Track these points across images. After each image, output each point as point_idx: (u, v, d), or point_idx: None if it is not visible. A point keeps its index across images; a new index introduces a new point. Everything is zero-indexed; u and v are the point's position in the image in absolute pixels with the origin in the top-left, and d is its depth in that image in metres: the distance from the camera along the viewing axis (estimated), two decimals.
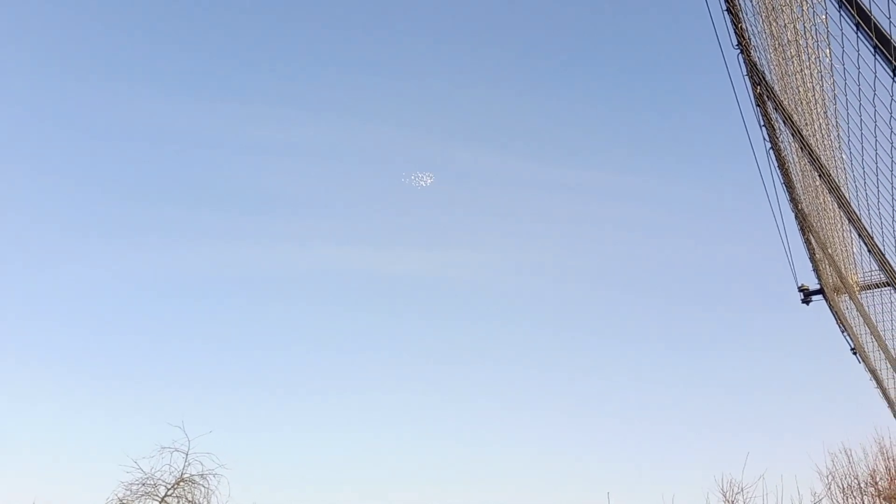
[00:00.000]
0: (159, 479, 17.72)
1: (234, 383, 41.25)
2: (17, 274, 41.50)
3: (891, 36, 4.94)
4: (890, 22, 4.88)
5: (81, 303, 42.99)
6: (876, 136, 6.33)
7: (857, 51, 5.61)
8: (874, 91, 5.71)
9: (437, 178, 42.92)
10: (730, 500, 19.46)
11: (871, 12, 5.06)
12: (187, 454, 17.93)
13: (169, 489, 17.71)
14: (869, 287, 12.19)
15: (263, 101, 44.96)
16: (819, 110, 7.80)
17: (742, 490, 19.23)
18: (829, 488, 22.02)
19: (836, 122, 7.41)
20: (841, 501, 22.17)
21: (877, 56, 5.19)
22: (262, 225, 46.27)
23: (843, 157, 7.87)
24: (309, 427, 39.57)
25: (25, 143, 42.57)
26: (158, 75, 43.85)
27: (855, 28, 5.32)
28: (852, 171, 7.69)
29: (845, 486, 22.34)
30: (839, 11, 5.47)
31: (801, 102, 8.29)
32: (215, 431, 20.14)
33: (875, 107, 5.89)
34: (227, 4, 44.11)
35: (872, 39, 5.12)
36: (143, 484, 17.58)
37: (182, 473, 17.87)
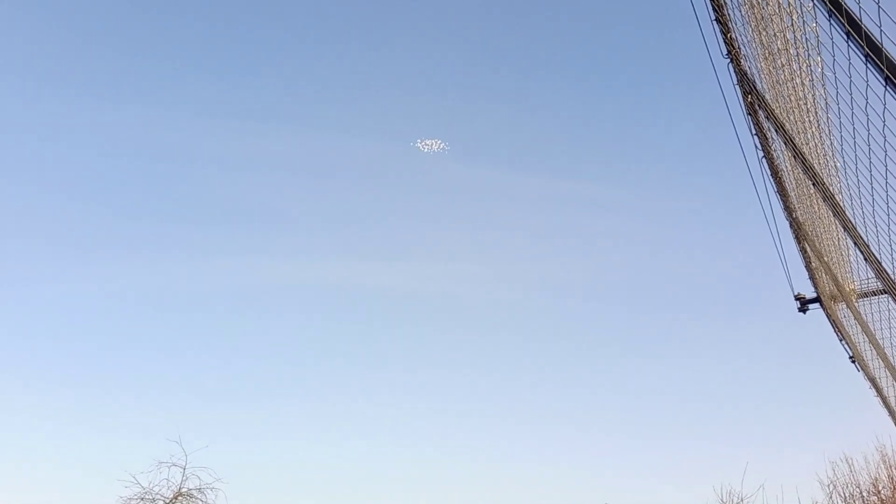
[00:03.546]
0: (157, 493, 17.81)
1: (229, 396, 41.10)
2: (10, 289, 41.36)
3: (882, 44, 4.88)
4: (881, 30, 4.83)
5: (76, 318, 42.87)
6: (869, 144, 6.28)
7: (849, 59, 5.57)
8: (866, 99, 5.67)
9: (423, 190, 42.96)
10: None
11: (861, 21, 5.01)
12: (185, 468, 18.02)
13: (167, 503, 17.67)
14: (866, 295, 12.14)
15: (252, 116, 44.99)
16: (811, 119, 7.76)
17: (742, 500, 19.08)
18: (831, 497, 21.91)
19: (829, 130, 7.36)
20: None
21: (868, 65, 5.13)
22: (254, 239, 46.22)
23: (837, 165, 7.82)
24: (304, 438, 39.42)
25: (15, 160, 42.55)
26: (152, 91, 43.89)
27: (846, 37, 5.26)
28: (846, 180, 7.64)
29: (847, 494, 22.19)
30: (829, 21, 5.42)
31: (794, 111, 8.24)
32: (212, 445, 20.09)
33: (868, 115, 5.85)
34: (220, 21, 44.20)
35: (864, 48, 5.06)
36: (142, 499, 17.68)
37: (180, 488, 17.91)
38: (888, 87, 4.99)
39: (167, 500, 17.71)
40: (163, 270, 44.31)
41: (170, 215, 45.54)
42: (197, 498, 17.89)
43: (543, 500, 34.54)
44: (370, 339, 45.81)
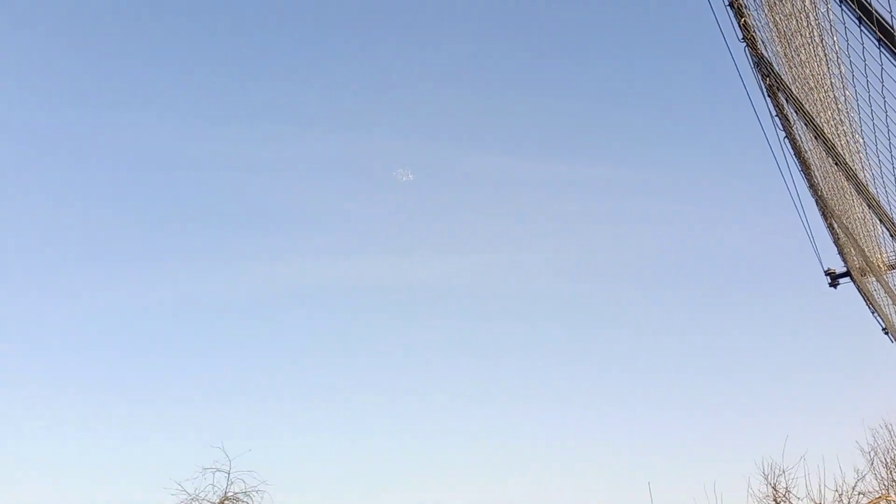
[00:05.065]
0: (204, 499, 17.85)
1: (270, 398, 41.60)
2: (53, 300, 42.24)
3: (893, 28, 4.96)
4: (892, 15, 4.90)
5: (116, 327, 43.60)
6: (888, 124, 6.33)
7: (862, 43, 5.63)
8: (882, 82, 5.73)
9: (445, 182, 43.09)
10: (772, 482, 19.28)
11: (871, 6, 5.08)
12: (229, 473, 17.98)
13: None
14: (893, 267, 12.09)
15: (263, 120, 45.32)
16: (830, 99, 7.80)
17: (784, 472, 19.05)
18: (872, 464, 21.77)
19: (848, 110, 7.40)
20: (885, 476, 21.90)
21: (881, 49, 5.20)
22: (287, 242, 46.65)
23: (858, 143, 7.86)
24: (350, 437, 39.82)
25: (48, 177, 43.32)
26: (178, 103, 44.39)
27: (857, 22, 5.34)
28: (867, 158, 7.67)
29: (888, 460, 22.04)
30: (840, 6, 5.50)
31: (813, 92, 8.27)
32: (255, 448, 20.33)
33: (884, 97, 5.91)
34: (223, 29, 44.53)
35: (876, 32, 5.14)
36: None
37: (226, 493, 17.95)
38: None
39: None
40: (199, 277, 44.95)
41: (210, 222, 46.12)
42: (243, 502, 17.84)
43: (586, 478, 34.69)
44: (413, 335, 46.12)
